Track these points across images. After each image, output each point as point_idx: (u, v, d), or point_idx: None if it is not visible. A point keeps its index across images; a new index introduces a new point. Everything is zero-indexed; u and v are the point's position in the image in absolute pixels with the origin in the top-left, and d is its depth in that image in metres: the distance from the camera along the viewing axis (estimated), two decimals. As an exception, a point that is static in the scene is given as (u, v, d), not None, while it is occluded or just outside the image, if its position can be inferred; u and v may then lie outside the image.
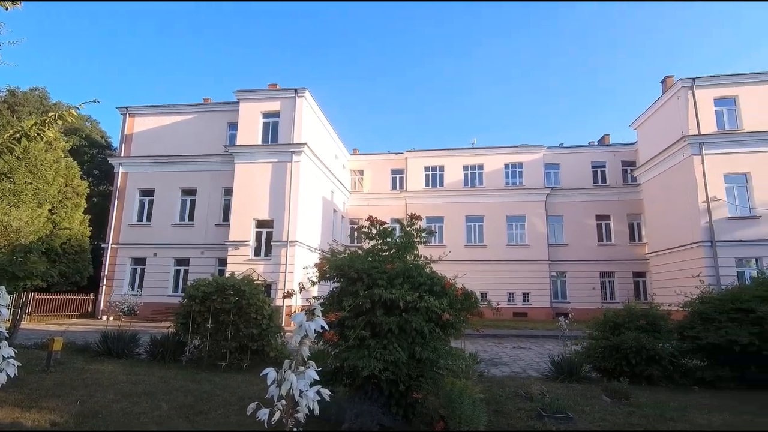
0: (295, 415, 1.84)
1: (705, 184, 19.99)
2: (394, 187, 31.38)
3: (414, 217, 5.68)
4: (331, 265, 5.37)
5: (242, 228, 21.35)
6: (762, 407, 6.36)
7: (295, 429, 1.82)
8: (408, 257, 5.77)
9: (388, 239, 5.60)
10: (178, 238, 23.03)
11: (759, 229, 19.47)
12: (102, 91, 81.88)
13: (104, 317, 20.74)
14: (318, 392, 1.91)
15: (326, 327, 2.03)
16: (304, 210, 21.97)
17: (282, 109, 22.28)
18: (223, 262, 21.70)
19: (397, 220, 5.82)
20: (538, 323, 23.08)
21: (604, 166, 29.00)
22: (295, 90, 22.13)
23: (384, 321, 4.97)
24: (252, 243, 21.39)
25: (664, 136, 22.75)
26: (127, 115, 24.92)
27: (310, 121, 23.16)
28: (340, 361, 5.09)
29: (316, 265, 5.40)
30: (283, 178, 21.34)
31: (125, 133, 24.81)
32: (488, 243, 28.56)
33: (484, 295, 27.43)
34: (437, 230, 29.10)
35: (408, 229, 5.64)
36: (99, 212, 26.74)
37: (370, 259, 5.66)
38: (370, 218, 5.43)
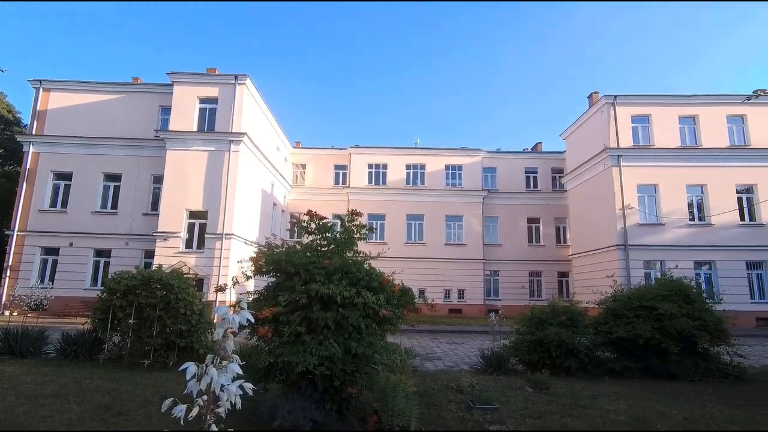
0: (216, 410, 1.76)
1: (621, 193, 21.98)
2: (336, 182, 31.16)
3: (354, 213, 5.68)
4: (268, 260, 5.22)
5: (173, 218, 20.09)
6: (661, 395, 7.12)
7: (214, 426, 1.74)
8: (347, 253, 5.76)
9: (327, 234, 5.55)
10: (98, 227, 21.16)
11: (663, 236, 21.79)
12: (11, 61, 73.00)
13: (6, 312, 18.55)
14: (241, 387, 1.84)
15: (252, 320, 1.96)
16: (242, 202, 21.14)
17: (220, 96, 21.23)
18: (150, 254, 20.29)
19: (337, 216, 5.78)
20: (471, 319, 24.06)
21: (536, 172, 30.88)
22: (236, 76, 21.17)
23: (321, 316, 4.93)
24: (183, 235, 20.21)
25: (588, 147, 24.68)
26: (41, 89, 22.40)
27: (250, 110, 22.31)
28: (274, 357, 4.97)
29: (251, 259, 5.23)
30: (220, 168, 20.37)
31: (38, 108, 22.29)
32: (428, 241, 29.29)
33: (422, 291, 28.05)
34: (378, 227, 29.33)
35: (348, 224, 5.63)
36: (2, 195, 23.84)
37: (308, 254, 5.58)
38: (309, 212, 5.35)
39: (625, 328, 8.78)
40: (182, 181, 20.31)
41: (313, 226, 5.44)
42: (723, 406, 6.37)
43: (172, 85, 21.38)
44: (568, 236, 29.29)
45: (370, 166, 30.65)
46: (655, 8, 76.84)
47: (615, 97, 22.86)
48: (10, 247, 20.82)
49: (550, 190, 30.32)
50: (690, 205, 22.51)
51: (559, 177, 29.72)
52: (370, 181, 30.50)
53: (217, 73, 22.08)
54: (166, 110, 21.86)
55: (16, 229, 20.95)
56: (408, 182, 30.51)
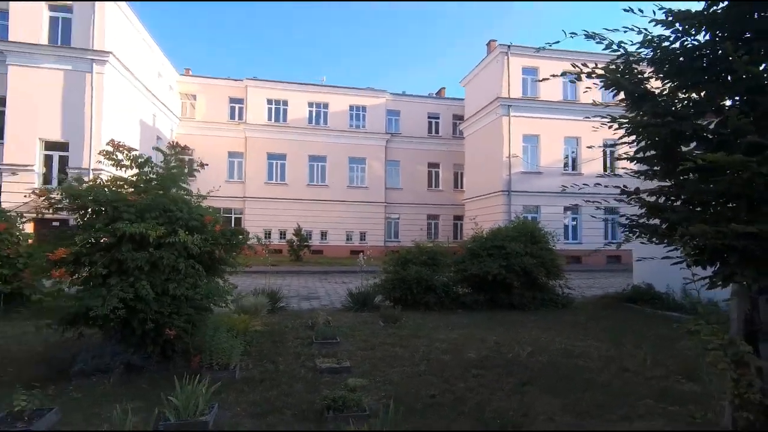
0: None
1: (509, 142, 23.39)
2: (232, 117, 28.83)
3: (178, 146, 5.14)
4: (66, 194, 4.57)
5: (23, 149, 17.16)
6: (495, 324, 7.95)
7: None
8: (176, 191, 5.30)
9: (145, 169, 4.99)
10: None
11: (542, 183, 23.87)
12: None
13: None
14: None
15: None
16: (114, 133, 18.57)
17: (76, 4, 17.77)
18: (-5, 190, 17.37)
19: (157, 149, 5.18)
20: (371, 260, 24.82)
21: (439, 118, 31.51)
22: (95, -20, 17.72)
23: (131, 257, 4.54)
24: (39, 168, 17.51)
25: (484, 96, 25.52)
26: None
27: (118, 25, 19.12)
28: (77, 301, 4.53)
29: (35, 192, 4.53)
30: (82, 92, 17.53)
31: None
32: (330, 183, 29.00)
33: (324, 233, 28.34)
34: (279, 168, 28.31)
35: (170, 159, 5.10)
36: None
37: (126, 188, 5.03)
38: (112, 142, 4.70)
39: (479, 265, 9.56)
40: (32, 105, 17.18)
41: (120, 157, 4.81)
42: (538, 330, 7.33)
43: (9, -18, 17.36)
44: (464, 181, 30.89)
45: (269, 101, 28.70)
46: (565, -37, 78.58)
47: (509, 46, 23.50)
48: None
49: (451, 136, 31.31)
50: (566, 156, 24.79)
51: (459, 123, 30.67)
52: (269, 118, 28.72)
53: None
54: (2, 15, 17.84)
55: None
56: (310, 121, 29.33)
